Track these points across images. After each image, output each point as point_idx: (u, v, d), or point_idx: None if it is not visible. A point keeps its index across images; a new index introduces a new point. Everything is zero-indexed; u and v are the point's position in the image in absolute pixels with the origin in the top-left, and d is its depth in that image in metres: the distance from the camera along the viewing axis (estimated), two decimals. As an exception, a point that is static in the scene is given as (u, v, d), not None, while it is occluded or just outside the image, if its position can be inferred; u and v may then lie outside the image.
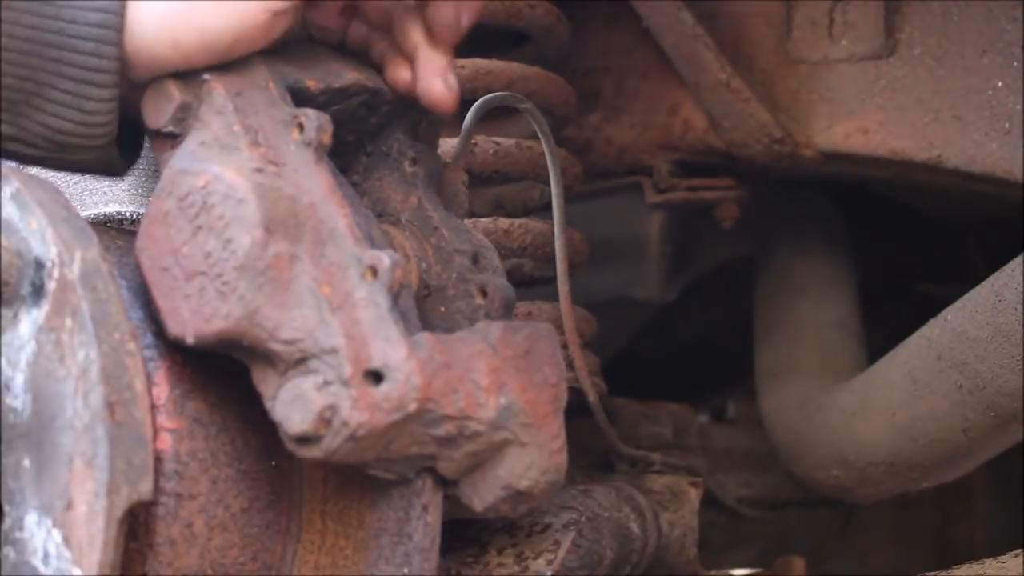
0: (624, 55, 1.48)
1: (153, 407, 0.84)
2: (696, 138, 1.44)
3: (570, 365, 1.18)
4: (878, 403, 1.36)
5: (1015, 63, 1.27)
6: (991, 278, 1.24)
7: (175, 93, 0.86)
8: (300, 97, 0.90)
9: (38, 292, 0.80)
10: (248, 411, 0.87)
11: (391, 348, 0.82)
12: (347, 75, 0.93)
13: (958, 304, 1.27)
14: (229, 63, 0.87)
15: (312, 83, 0.91)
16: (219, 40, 0.86)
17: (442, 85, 0.96)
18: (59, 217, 0.82)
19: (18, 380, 0.80)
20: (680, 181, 1.48)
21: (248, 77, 0.87)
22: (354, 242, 0.84)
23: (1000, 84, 1.28)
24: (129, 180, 1.20)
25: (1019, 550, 1.15)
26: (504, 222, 1.25)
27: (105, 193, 1.20)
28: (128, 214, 1.19)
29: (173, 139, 0.87)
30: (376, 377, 0.82)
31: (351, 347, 0.82)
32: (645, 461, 1.32)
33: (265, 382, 0.84)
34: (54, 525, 0.78)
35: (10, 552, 0.78)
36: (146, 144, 0.92)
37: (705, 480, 1.34)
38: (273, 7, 0.87)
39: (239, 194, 0.83)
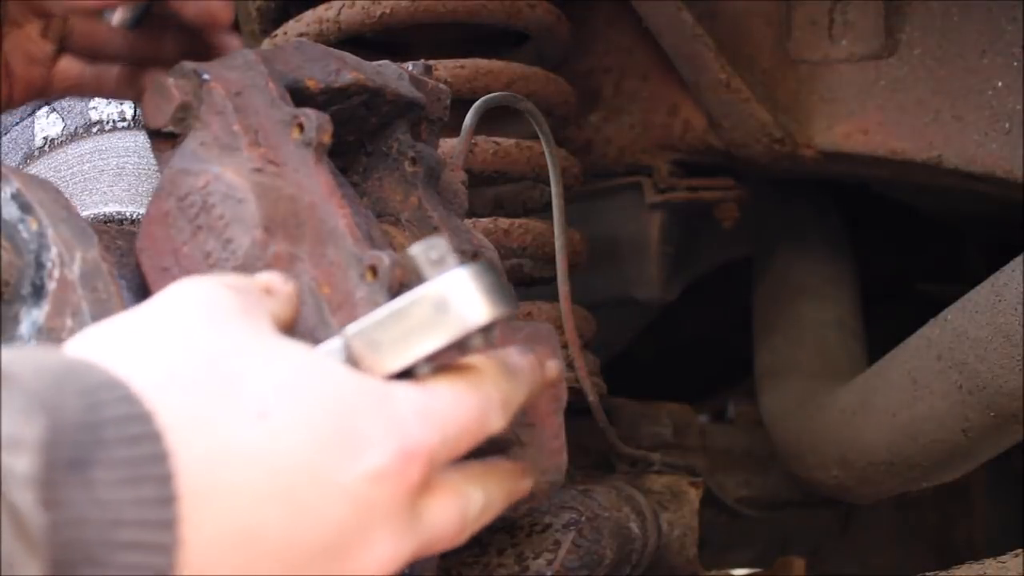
0: (624, 55, 1.48)
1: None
2: (696, 138, 1.44)
3: (570, 365, 1.18)
4: (878, 403, 1.36)
5: (1015, 63, 1.27)
6: (991, 278, 1.24)
7: (175, 93, 0.86)
8: (300, 97, 0.90)
9: (38, 292, 0.81)
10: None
11: (391, 348, 0.82)
12: (347, 75, 0.93)
13: (958, 304, 1.27)
14: (228, 62, 0.87)
15: (312, 83, 0.91)
16: None
17: None
18: (59, 217, 0.82)
19: (18, 380, 0.80)
20: (680, 181, 1.48)
21: (248, 77, 0.87)
22: (354, 242, 0.84)
23: (1000, 84, 1.28)
24: (129, 180, 1.20)
25: (1019, 550, 1.15)
26: (504, 222, 1.25)
27: (105, 193, 1.20)
28: (128, 214, 1.19)
29: (173, 139, 0.87)
30: (376, 377, 0.82)
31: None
32: (645, 461, 1.32)
33: (265, 382, 0.84)
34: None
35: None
36: (147, 144, 0.93)
37: (705, 480, 1.34)
38: None
39: (239, 194, 0.83)
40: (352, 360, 0.70)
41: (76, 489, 0.58)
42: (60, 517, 0.57)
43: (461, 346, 0.71)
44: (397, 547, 0.67)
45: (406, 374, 0.70)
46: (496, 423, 0.73)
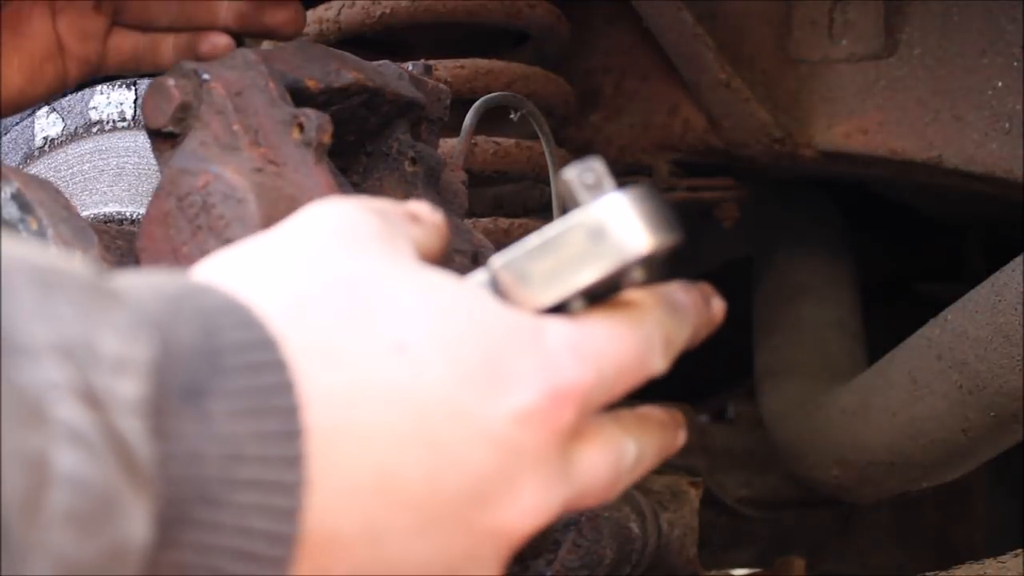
0: (624, 55, 1.48)
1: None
2: (696, 138, 1.45)
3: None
4: (878, 403, 1.36)
5: (1015, 63, 1.27)
6: (991, 278, 1.25)
7: (175, 93, 0.86)
8: (300, 97, 0.90)
9: (38, 292, 0.80)
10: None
11: (391, 348, 0.82)
12: (347, 75, 0.93)
13: (958, 304, 1.27)
14: (228, 62, 0.87)
15: (312, 83, 0.91)
16: None
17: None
18: (59, 217, 0.82)
19: (18, 380, 0.80)
20: (680, 181, 1.48)
21: (248, 77, 0.87)
22: (354, 242, 0.84)
23: (1000, 84, 1.28)
24: (129, 180, 1.20)
25: (1019, 550, 1.15)
26: (504, 222, 1.25)
27: (105, 193, 1.20)
28: (128, 214, 1.19)
29: (173, 139, 0.87)
30: (376, 377, 0.82)
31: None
32: (645, 461, 1.32)
33: (265, 382, 0.84)
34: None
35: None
36: (147, 144, 0.92)
37: (705, 480, 1.34)
38: None
39: (239, 194, 0.83)
40: (500, 293, 0.64)
41: (190, 421, 0.52)
42: (172, 450, 0.51)
43: (620, 279, 0.64)
44: (546, 496, 0.60)
45: (558, 309, 0.64)
46: (657, 365, 0.66)
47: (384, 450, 0.57)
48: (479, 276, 0.65)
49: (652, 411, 0.71)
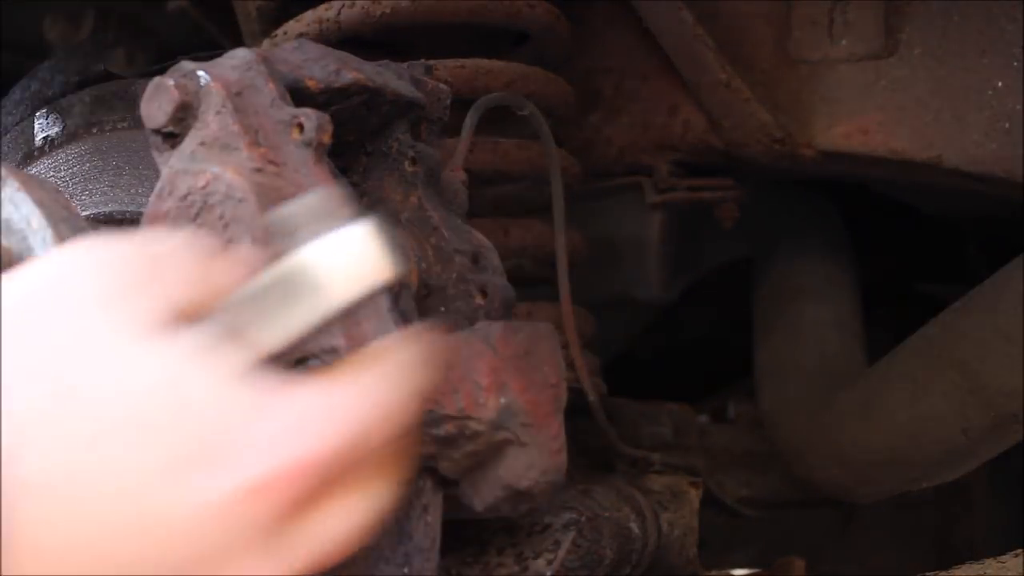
0: (624, 55, 1.48)
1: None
2: (696, 138, 1.44)
3: (570, 365, 1.18)
4: (878, 403, 1.36)
5: (1015, 63, 1.27)
6: (991, 278, 1.25)
7: (175, 93, 0.86)
8: (300, 97, 0.90)
9: (38, 292, 0.80)
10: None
11: (391, 348, 0.82)
12: (347, 75, 0.93)
13: (958, 304, 1.27)
14: (228, 62, 0.87)
15: (312, 83, 0.91)
16: None
17: None
18: (59, 217, 0.82)
19: (18, 380, 0.80)
20: (680, 181, 1.48)
21: (248, 77, 0.87)
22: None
23: (1000, 84, 1.28)
24: (128, 180, 1.20)
25: (1019, 550, 1.15)
26: (504, 222, 1.25)
27: (105, 193, 1.20)
28: (128, 214, 1.19)
29: (173, 139, 0.87)
30: (376, 377, 0.82)
31: (351, 347, 0.81)
32: (645, 461, 1.32)
33: (265, 382, 0.84)
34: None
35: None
36: (147, 144, 0.92)
37: (705, 480, 1.34)
38: None
39: (239, 194, 0.82)
40: (226, 340, 0.62)
41: None
42: None
43: (343, 321, 0.64)
44: (270, 568, 0.59)
45: (299, 361, 0.63)
46: (406, 415, 0.64)
47: (77, 542, 0.56)
48: (206, 327, 0.62)
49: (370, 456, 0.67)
